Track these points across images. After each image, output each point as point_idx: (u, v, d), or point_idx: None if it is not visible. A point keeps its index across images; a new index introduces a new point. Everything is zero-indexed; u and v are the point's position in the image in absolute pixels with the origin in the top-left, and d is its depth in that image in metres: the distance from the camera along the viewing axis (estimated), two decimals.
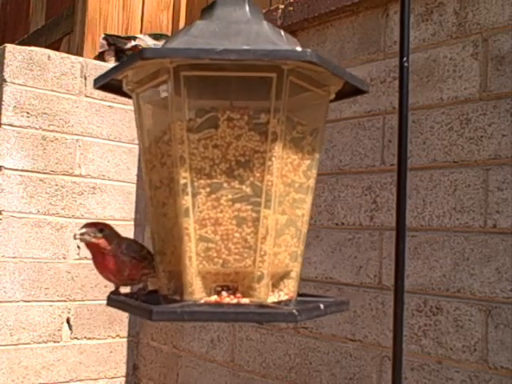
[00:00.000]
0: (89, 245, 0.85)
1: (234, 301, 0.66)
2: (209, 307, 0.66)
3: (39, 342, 2.00)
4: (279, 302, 0.69)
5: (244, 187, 0.66)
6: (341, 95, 0.75)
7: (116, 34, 2.56)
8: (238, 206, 0.67)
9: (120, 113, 2.21)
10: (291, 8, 1.75)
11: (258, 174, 0.66)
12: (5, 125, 1.96)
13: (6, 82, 1.96)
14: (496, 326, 1.25)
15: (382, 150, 1.52)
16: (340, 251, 1.58)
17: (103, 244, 0.84)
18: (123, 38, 2.53)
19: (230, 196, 0.67)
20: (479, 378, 1.26)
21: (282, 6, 1.78)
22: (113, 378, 2.17)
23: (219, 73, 0.66)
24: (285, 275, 0.72)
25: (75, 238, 0.85)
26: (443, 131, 1.39)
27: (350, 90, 0.73)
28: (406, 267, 0.82)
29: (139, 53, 0.62)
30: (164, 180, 0.71)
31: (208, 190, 0.67)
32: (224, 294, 0.67)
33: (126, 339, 2.21)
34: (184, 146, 0.66)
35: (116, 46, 2.48)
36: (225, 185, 0.67)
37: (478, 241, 1.29)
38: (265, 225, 0.66)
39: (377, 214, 1.50)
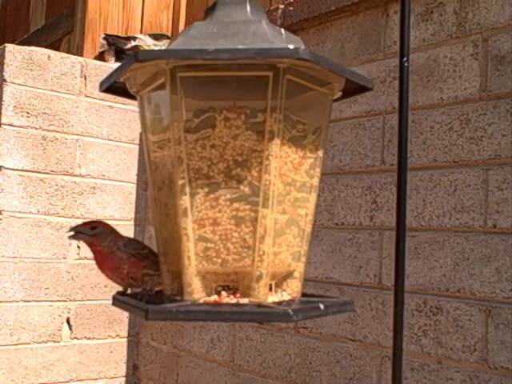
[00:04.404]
0: (87, 244, 0.85)
1: (234, 301, 0.66)
2: (206, 307, 0.65)
3: (39, 342, 2.00)
4: (280, 302, 0.69)
5: (242, 187, 0.66)
6: (346, 93, 0.74)
7: (116, 34, 2.57)
8: (236, 205, 0.66)
9: (120, 113, 2.21)
10: (291, 8, 1.75)
11: (255, 174, 0.66)
12: (5, 125, 1.96)
13: (5, 81, 1.96)
14: (496, 326, 1.25)
15: (382, 150, 1.52)
16: (340, 251, 1.58)
17: (95, 242, 0.84)
18: (123, 38, 2.53)
19: (228, 196, 0.66)
20: (479, 378, 1.26)
21: (282, 6, 1.78)
22: (113, 378, 2.17)
23: (215, 73, 0.65)
24: (288, 275, 0.71)
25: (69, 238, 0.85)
26: (443, 131, 1.39)
27: (355, 88, 0.73)
28: (406, 267, 0.82)
29: (134, 55, 0.62)
30: (165, 181, 0.71)
31: (206, 189, 0.67)
32: (224, 293, 0.67)
33: (125, 339, 2.21)
34: (182, 146, 0.66)
35: (116, 46, 2.48)
36: (223, 184, 0.67)
37: (478, 241, 1.29)
38: (263, 224, 0.65)
39: (377, 214, 1.50)
